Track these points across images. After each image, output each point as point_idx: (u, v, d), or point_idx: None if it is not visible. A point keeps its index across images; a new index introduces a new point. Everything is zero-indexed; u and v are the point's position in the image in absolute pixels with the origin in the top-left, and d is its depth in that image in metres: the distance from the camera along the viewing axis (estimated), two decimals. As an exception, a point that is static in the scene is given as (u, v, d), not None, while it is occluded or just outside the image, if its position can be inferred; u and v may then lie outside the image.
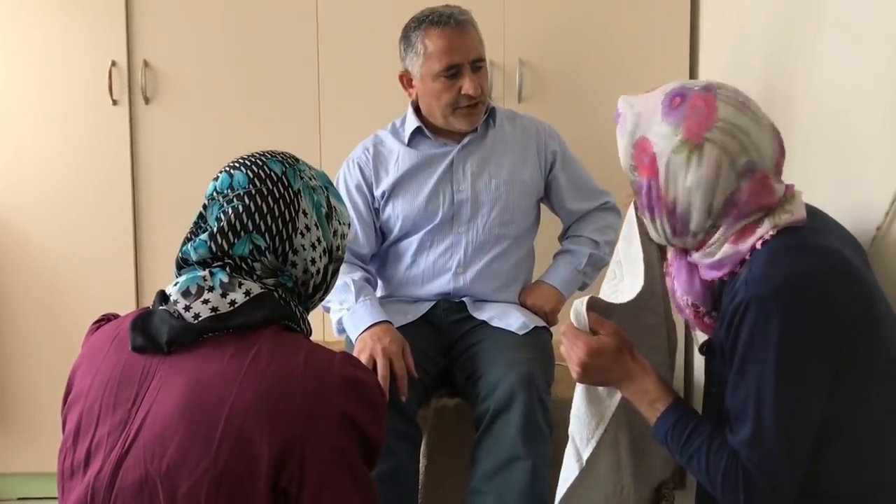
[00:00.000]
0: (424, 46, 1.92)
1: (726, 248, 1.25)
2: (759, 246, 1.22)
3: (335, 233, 1.22)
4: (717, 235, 1.25)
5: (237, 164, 1.19)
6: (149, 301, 2.49)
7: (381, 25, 2.41)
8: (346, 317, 1.87)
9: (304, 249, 1.17)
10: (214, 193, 1.18)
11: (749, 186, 1.22)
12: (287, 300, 1.15)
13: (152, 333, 1.11)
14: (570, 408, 1.48)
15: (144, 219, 2.50)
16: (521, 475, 1.61)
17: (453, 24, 1.92)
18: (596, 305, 1.37)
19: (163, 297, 1.15)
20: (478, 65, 1.94)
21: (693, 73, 2.44)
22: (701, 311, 1.34)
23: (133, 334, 1.12)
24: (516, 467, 1.63)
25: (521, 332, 1.87)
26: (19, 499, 2.59)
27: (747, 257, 1.22)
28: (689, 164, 1.22)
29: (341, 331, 1.92)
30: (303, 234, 1.16)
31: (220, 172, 1.19)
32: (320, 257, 1.19)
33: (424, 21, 1.94)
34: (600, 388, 1.43)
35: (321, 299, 1.24)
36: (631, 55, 2.43)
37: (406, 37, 1.98)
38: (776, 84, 1.85)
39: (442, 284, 1.97)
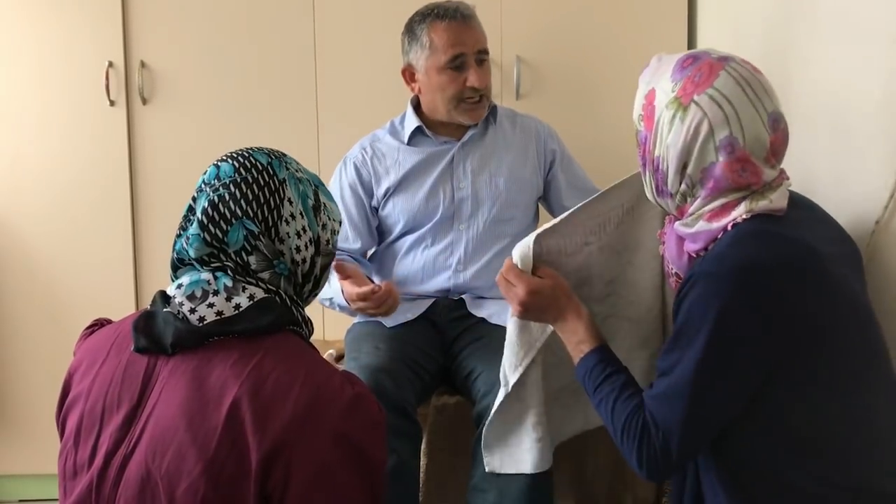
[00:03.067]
0: (430, 39, 1.94)
1: (701, 224, 1.25)
2: (730, 227, 1.22)
3: (323, 226, 1.22)
4: (694, 206, 1.26)
5: (224, 157, 1.21)
6: (146, 303, 2.49)
7: (379, 25, 2.41)
8: (327, 291, 1.89)
9: (290, 237, 1.17)
10: (202, 185, 1.19)
11: (726, 162, 1.21)
12: (290, 303, 1.16)
13: (156, 335, 1.11)
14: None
15: (143, 219, 2.50)
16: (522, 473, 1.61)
17: (459, 18, 1.95)
18: (539, 246, 1.44)
19: (164, 297, 1.16)
20: (482, 57, 1.96)
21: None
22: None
23: (136, 335, 1.13)
24: None
25: None
26: (20, 500, 2.59)
27: (719, 236, 1.23)
28: (673, 121, 1.24)
29: (341, 307, 1.92)
30: (288, 222, 1.17)
31: (209, 167, 1.21)
32: (306, 246, 1.19)
33: (430, 15, 1.96)
34: (533, 322, 1.49)
35: (312, 294, 1.24)
36: (628, 52, 2.43)
37: (410, 31, 1.99)
38: (773, 80, 1.84)
39: (442, 281, 1.98)
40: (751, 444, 1.20)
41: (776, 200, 1.22)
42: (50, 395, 2.52)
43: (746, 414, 1.19)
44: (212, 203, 1.15)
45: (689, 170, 1.24)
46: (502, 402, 1.54)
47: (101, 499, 1.07)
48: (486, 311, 1.95)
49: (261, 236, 1.15)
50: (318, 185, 1.24)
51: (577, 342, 1.38)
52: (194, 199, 1.19)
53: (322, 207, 1.22)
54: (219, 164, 1.20)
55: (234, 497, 1.03)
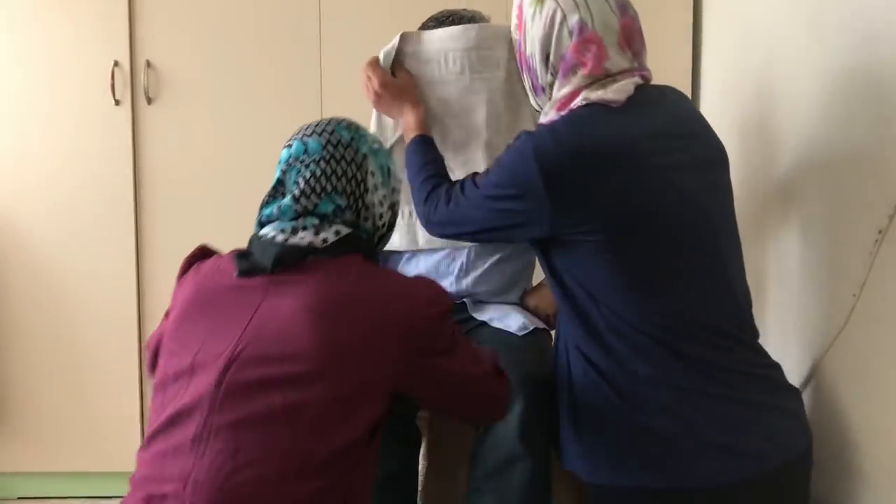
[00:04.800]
0: None
1: (552, 114, 1.40)
2: (566, 113, 1.37)
3: (394, 189, 1.38)
4: (552, 94, 1.40)
5: (309, 133, 1.32)
6: (149, 301, 2.51)
7: (384, 25, 2.40)
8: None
9: (374, 206, 1.32)
10: (291, 160, 1.30)
11: (575, 42, 1.36)
12: (369, 244, 1.33)
13: (256, 259, 1.25)
14: None
15: (146, 218, 2.50)
16: (521, 475, 1.61)
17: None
18: (403, 46, 1.73)
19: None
20: None
21: (695, 71, 2.43)
22: None
23: (238, 261, 1.25)
24: (516, 468, 1.62)
25: (520, 333, 1.86)
26: (19, 498, 2.59)
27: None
28: (534, 17, 1.39)
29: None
30: (372, 193, 1.32)
31: (293, 141, 1.32)
32: (386, 212, 1.35)
33: (445, 22, 1.93)
34: (389, 119, 1.75)
35: (380, 247, 1.40)
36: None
37: None
38: (778, 82, 1.84)
39: (444, 287, 1.97)
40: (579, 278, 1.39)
41: (613, 92, 1.34)
42: (50, 394, 2.54)
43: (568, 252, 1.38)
44: (304, 178, 1.27)
45: (552, 58, 1.39)
46: None
47: (214, 397, 1.15)
48: (487, 314, 1.94)
49: (347, 209, 1.29)
50: (384, 151, 1.38)
51: (409, 130, 1.65)
52: (283, 173, 1.30)
53: (390, 171, 1.37)
54: (304, 140, 1.31)
55: (347, 380, 1.16)
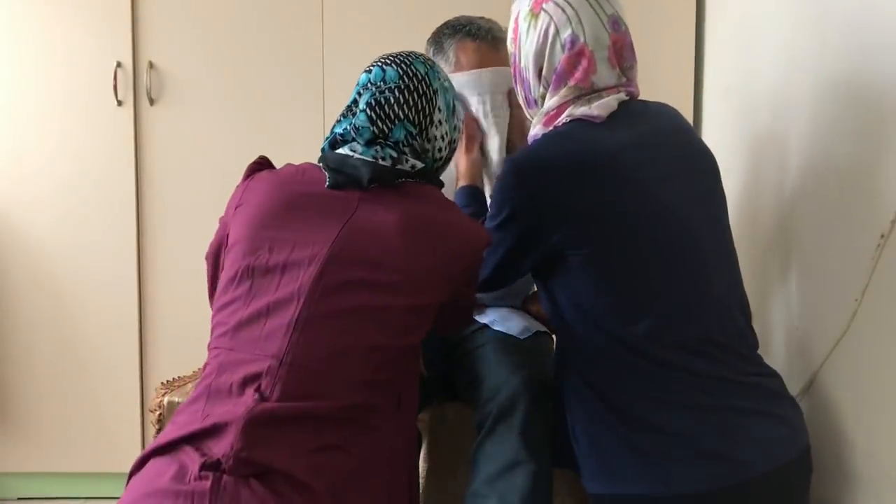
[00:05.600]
0: (457, 57, 1.88)
1: (538, 129, 1.45)
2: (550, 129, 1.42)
3: (455, 127, 1.48)
4: (539, 109, 1.45)
5: (388, 61, 1.43)
6: (151, 302, 2.51)
7: (387, 27, 2.41)
8: None
9: (436, 139, 1.43)
10: (368, 83, 1.42)
11: (567, 57, 1.40)
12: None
13: (350, 173, 1.35)
14: None
15: (148, 219, 2.50)
16: (524, 480, 1.61)
17: (490, 40, 1.87)
18: None
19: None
20: None
21: (698, 77, 2.44)
22: None
23: (331, 173, 1.36)
24: (518, 472, 1.62)
25: (522, 337, 1.86)
26: (19, 498, 2.59)
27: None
28: (529, 30, 1.44)
29: None
30: (437, 127, 1.43)
31: (374, 66, 1.43)
32: (446, 147, 1.46)
33: (461, 31, 1.90)
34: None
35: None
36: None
37: (438, 41, 1.94)
38: (781, 88, 1.84)
39: None
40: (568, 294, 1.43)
41: (596, 108, 1.39)
42: (51, 393, 2.54)
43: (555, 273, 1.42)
44: (378, 102, 1.39)
45: (544, 72, 1.43)
46: None
47: (317, 290, 1.26)
48: (488, 317, 1.94)
49: (416, 137, 1.40)
50: (452, 89, 1.49)
51: (459, 176, 1.71)
52: (359, 94, 1.42)
53: (455, 109, 1.48)
54: (384, 67, 1.42)
55: (430, 293, 1.33)
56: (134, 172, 2.48)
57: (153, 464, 1.19)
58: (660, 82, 2.46)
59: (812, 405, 1.64)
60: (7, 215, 2.50)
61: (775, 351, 1.81)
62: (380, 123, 1.38)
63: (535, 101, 1.47)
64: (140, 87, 2.46)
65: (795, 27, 1.78)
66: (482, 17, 1.94)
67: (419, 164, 1.39)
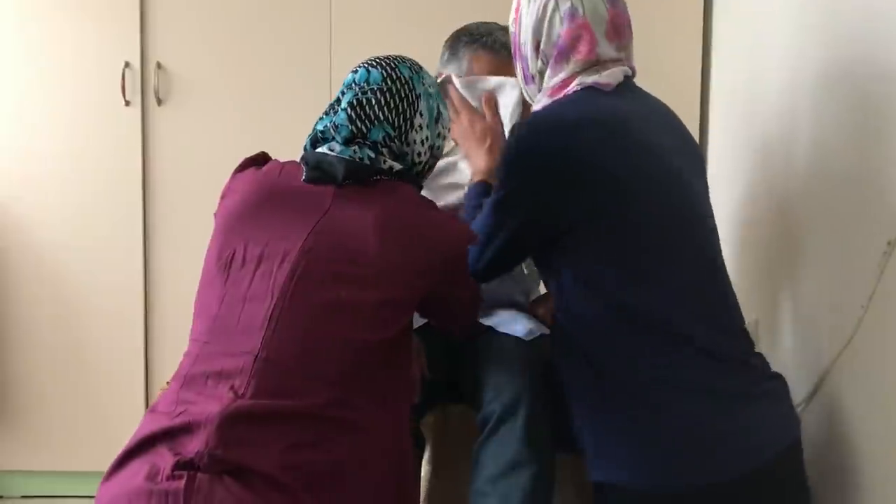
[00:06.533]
0: (470, 66, 1.89)
1: (544, 101, 1.45)
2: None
3: (439, 134, 1.49)
4: (544, 82, 1.46)
5: (374, 63, 1.46)
6: (157, 302, 2.51)
7: (396, 28, 2.41)
8: None
9: (415, 143, 1.45)
10: (353, 83, 1.45)
11: (567, 29, 1.42)
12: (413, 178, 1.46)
13: (326, 169, 1.37)
14: None
15: (154, 220, 2.51)
16: (526, 480, 1.61)
17: (504, 55, 1.88)
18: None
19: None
20: None
21: (705, 80, 2.43)
22: None
23: (308, 169, 1.38)
24: (521, 472, 1.62)
25: (527, 339, 1.86)
26: (22, 496, 2.60)
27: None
28: (529, 5, 1.46)
29: None
30: (417, 131, 1.44)
31: (360, 67, 1.46)
32: (426, 152, 1.47)
33: (479, 41, 1.88)
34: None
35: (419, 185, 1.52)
36: (642, 62, 2.42)
37: (453, 48, 1.93)
38: (788, 91, 1.84)
39: None
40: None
41: (605, 76, 1.41)
42: (54, 391, 2.54)
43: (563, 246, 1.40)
44: (360, 102, 1.41)
45: (543, 46, 1.45)
46: None
47: (292, 283, 1.27)
48: (493, 319, 1.94)
49: (394, 139, 1.42)
50: (439, 96, 1.50)
51: (478, 172, 1.67)
52: (342, 93, 1.45)
53: (440, 117, 1.49)
54: (369, 68, 1.45)
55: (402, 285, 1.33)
56: (141, 173, 2.49)
57: (128, 464, 1.21)
58: (667, 82, 2.46)
59: (818, 411, 1.63)
60: (14, 214, 2.51)
61: (782, 356, 1.80)
62: (358, 123, 1.40)
63: (533, 78, 1.48)
64: (148, 87, 2.47)
65: (803, 30, 1.78)
66: (502, 29, 1.94)
67: (397, 166, 1.41)
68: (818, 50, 1.70)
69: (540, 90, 1.48)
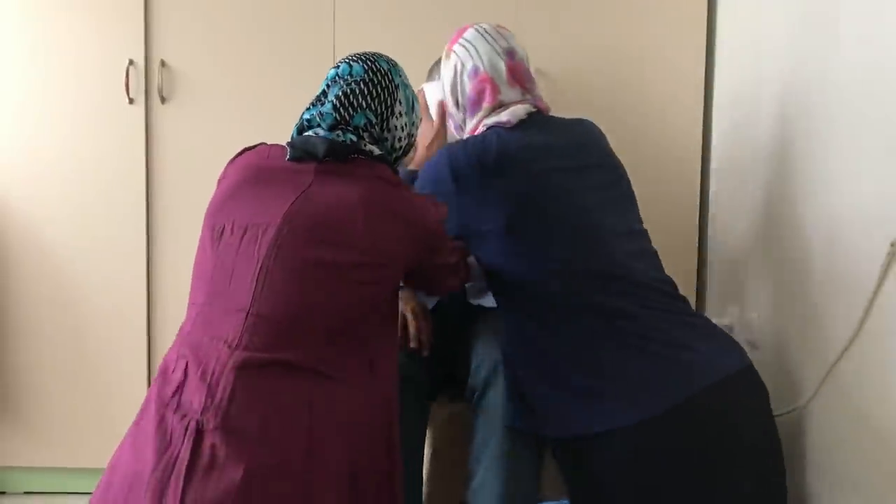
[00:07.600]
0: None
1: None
2: None
3: (413, 123, 1.63)
4: (465, 130, 1.74)
5: (355, 59, 1.59)
6: (160, 300, 2.52)
7: (398, 27, 2.42)
8: None
9: (396, 129, 1.59)
10: (337, 77, 1.57)
11: (472, 84, 1.73)
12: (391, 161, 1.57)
13: (307, 148, 1.48)
14: None
15: (158, 217, 2.51)
16: (512, 440, 1.67)
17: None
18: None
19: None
20: None
21: (708, 85, 2.43)
22: None
23: (291, 149, 1.49)
24: (508, 433, 1.68)
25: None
26: (25, 492, 2.60)
27: None
28: (445, 68, 1.78)
29: None
30: (397, 118, 1.58)
31: (341, 62, 1.59)
32: (405, 137, 1.62)
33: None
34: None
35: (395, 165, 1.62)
36: (646, 66, 2.43)
37: (432, 70, 2.05)
38: (793, 96, 1.84)
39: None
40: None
41: (505, 115, 1.67)
42: (57, 388, 2.54)
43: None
44: (345, 93, 1.54)
45: (460, 100, 1.75)
46: None
47: (274, 249, 1.37)
48: (485, 300, 2.01)
49: (375, 125, 1.54)
50: (412, 89, 1.64)
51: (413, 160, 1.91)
52: (328, 86, 1.58)
53: (414, 106, 1.64)
54: (351, 63, 1.59)
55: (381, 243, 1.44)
56: (145, 171, 2.49)
57: (138, 428, 1.38)
58: (669, 87, 2.46)
59: (820, 411, 1.63)
60: (18, 212, 2.51)
61: (785, 356, 1.81)
62: (342, 111, 1.53)
63: (461, 127, 1.77)
64: (152, 85, 2.47)
65: (807, 33, 1.78)
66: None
67: (377, 151, 1.51)
68: (820, 51, 1.70)
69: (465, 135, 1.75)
